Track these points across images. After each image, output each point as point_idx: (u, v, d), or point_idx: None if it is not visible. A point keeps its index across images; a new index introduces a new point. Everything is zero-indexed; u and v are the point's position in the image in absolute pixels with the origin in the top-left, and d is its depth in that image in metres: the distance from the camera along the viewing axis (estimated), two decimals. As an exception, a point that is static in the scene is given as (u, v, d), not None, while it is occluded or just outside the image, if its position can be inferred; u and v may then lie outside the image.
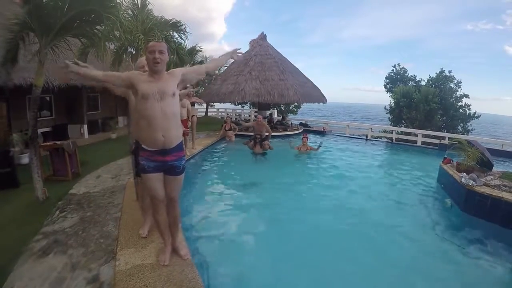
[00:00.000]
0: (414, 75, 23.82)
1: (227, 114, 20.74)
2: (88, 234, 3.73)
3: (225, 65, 20.98)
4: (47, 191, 5.02)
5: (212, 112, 22.94)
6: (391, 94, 22.48)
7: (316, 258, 3.83)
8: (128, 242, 3.43)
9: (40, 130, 8.37)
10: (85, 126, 11.64)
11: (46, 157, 6.25)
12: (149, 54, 2.61)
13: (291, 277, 3.46)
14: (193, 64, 13.57)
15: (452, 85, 20.94)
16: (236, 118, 15.10)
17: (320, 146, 10.05)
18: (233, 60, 4.29)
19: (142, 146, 2.71)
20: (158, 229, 3.07)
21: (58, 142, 6.19)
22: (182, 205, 4.31)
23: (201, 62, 17.85)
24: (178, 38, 10.26)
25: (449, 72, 21.22)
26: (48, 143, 6.32)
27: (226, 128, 11.72)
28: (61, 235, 3.69)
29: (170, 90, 2.64)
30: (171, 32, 9.77)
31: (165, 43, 2.75)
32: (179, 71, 2.80)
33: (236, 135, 11.88)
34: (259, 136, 9.54)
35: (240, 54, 3.44)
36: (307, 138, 9.87)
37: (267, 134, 9.73)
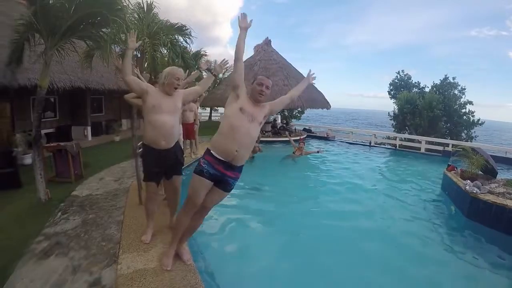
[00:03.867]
0: (418, 81, 23.84)
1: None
2: (90, 236, 3.69)
3: (229, 70, 21.08)
4: (49, 192, 5.01)
5: (216, 117, 22.95)
6: (395, 101, 22.43)
7: (316, 264, 3.81)
8: (130, 246, 3.40)
9: (43, 131, 8.39)
10: (89, 128, 11.64)
11: (49, 158, 6.25)
12: (257, 85, 2.78)
13: (292, 282, 3.45)
14: (198, 68, 13.54)
15: (456, 91, 20.90)
16: None
17: (318, 152, 10.13)
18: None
19: (211, 151, 2.72)
20: (176, 231, 3.02)
21: (62, 144, 6.16)
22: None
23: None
24: (183, 42, 10.30)
25: (453, 78, 21.22)
26: (52, 144, 6.31)
27: None
28: (63, 237, 3.66)
29: (259, 117, 2.78)
30: (176, 36, 9.80)
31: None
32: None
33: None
34: None
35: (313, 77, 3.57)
36: (304, 143, 10.02)
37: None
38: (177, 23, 9.66)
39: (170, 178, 3.50)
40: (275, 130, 14.43)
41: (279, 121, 18.41)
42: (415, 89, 23.17)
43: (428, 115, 18.77)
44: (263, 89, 2.76)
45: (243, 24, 2.83)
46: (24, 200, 5.03)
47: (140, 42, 3.98)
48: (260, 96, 2.77)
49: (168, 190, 3.70)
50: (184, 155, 3.94)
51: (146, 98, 3.21)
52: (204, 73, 19.99)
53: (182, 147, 5.25)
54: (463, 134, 20.11)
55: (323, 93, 15.66)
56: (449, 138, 18.31)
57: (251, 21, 2.85)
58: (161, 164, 3.32)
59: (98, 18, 4.96)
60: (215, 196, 2.84)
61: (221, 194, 2.85)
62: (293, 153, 9.71)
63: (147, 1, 9.43)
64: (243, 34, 2.84)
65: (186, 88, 3.86)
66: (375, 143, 14.02)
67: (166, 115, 3.21)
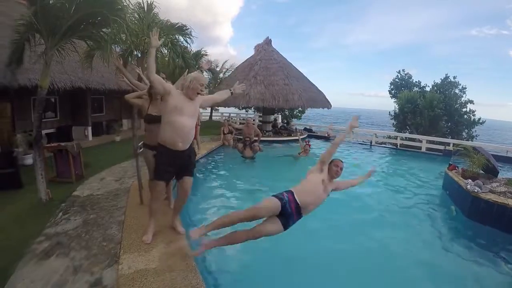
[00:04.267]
0: (418, 80, 23.74)
1: (230, 117, 20.71)
2: (91, 237, 3.70)
3: (230, 69, 21.04)
4: (50, 193, 5.01)
5: (216, 116, 22.92)
6: (395, 100, 22.36)
7: (316, 263, 3.82)
8: (131, 246, 3.40)
9: (44, 131, 8.39)
10: (90, 128, 11.64)
11: (50, 158, 6.24)
12: (334, 166, 3.47)
13: (291, 281, 3.48)
14: (198, 67, 13.49)
15: (456, 90, 20.84)
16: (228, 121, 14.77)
17: None
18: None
19: (295, 195, 3.19)
20: (217, 224, 3.06)
21: (62, 144, 6.16)
22: (186, 209, 4.28)
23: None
24: (184, 41, 10.26)
25: (454, 77, 21.16)
26: (52, 145, 6.31)
27: (225, 132, 11.66)
28: (64, 237, 3.66)
29: (329, 190, 3.48)
30: (176, 36, 9.77)
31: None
32: None
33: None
34: (248, 139, 9.61)
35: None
36: (309, 145, 10.03)
37: (256, 138, 9.81)
38: (177, 23, 9.61)
39: (181, 179, 3.54)
40: (275, 130, 14.42)
41: (279, 120, 18.40)
42: (415, 88, 23.09)
43: (429, 114, 18.72)
44: (338, 170, 3.46)
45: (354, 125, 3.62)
46: (25, 200, 5.03)
47: (163, 39, 4.04)
48: (336, 175, 3.48)
49: (178, 191, 3.74)
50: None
51: (168, 99, 3.26)
52: (205, 73, 20.00)
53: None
54: (464, 133, 20.05)
55: (323, 93, 15.65)
56: (450, 137, 18.27)
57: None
58: (175, 165, 3.38)
59: (99, 18, 4.95)
60: (271, 225, 3.08)
61: (278, 227, 3.09)
62: (299, 154, 9.68)
63: (147, 1, 9.40)
64: (343, 136, 3.80)
65: None
66: (376, 143, 13.98)
67: (186, 118, 3.28)
